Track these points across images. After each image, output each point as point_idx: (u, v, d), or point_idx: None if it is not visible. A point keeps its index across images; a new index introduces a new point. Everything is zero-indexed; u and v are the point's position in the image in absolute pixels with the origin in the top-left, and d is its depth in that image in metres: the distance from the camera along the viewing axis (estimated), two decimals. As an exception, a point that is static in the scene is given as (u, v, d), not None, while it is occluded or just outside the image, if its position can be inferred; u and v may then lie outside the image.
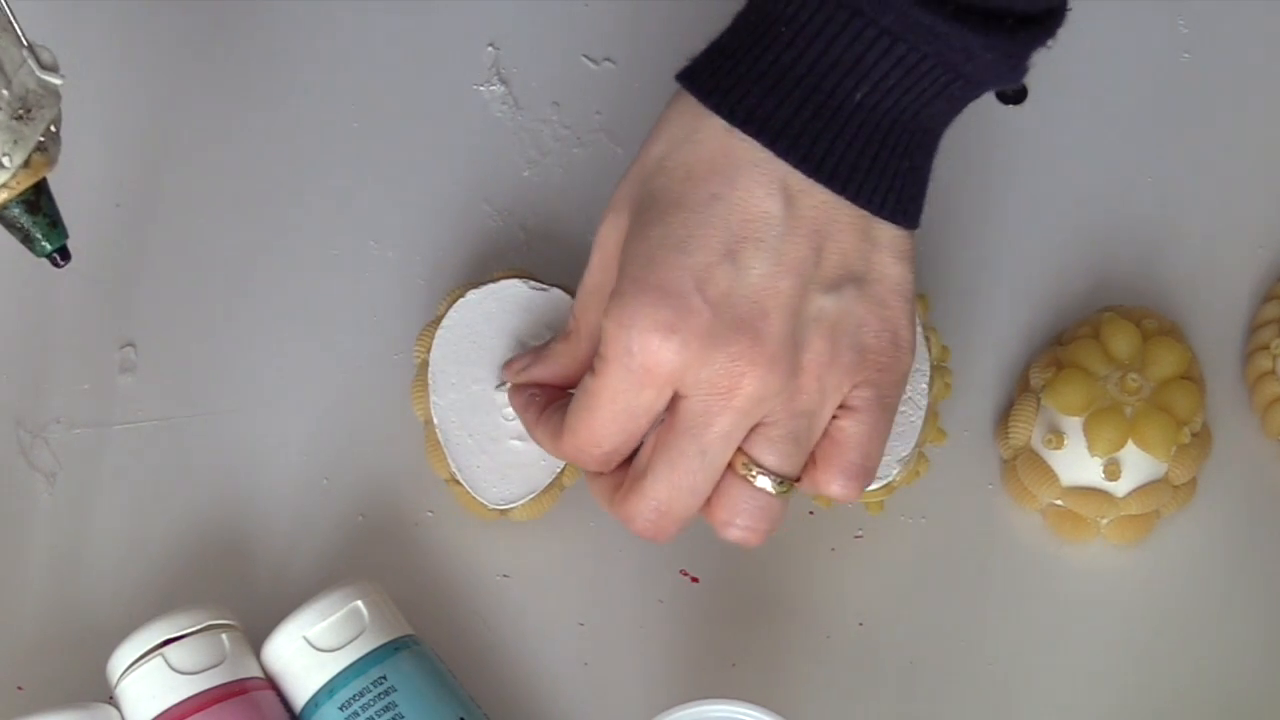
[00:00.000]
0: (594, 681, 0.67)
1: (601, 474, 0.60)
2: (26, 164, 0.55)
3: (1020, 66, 0.57)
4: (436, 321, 0.69)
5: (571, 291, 0.68)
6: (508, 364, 0.66)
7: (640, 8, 0.78)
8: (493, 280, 0.69)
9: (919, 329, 0.66)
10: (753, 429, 0.57)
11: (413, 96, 0.77)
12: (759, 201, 0.56)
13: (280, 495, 0.70)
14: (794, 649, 0.67)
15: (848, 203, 0.56)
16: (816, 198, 0.56)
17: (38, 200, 0.57)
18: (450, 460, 0.67)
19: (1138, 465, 0.67)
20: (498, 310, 0.68)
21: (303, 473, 0.70)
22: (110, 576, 0.68)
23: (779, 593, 0.68)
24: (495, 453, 0.67)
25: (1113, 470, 0.66)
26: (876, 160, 0.56)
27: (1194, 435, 0.68)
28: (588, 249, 0.68)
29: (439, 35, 0.78)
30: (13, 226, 0.57)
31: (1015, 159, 0.76)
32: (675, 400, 0.57)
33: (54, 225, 0.58)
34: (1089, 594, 0.68)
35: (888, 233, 0.57)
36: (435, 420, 0.67)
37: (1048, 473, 0.68)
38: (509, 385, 0.65)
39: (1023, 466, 0.68)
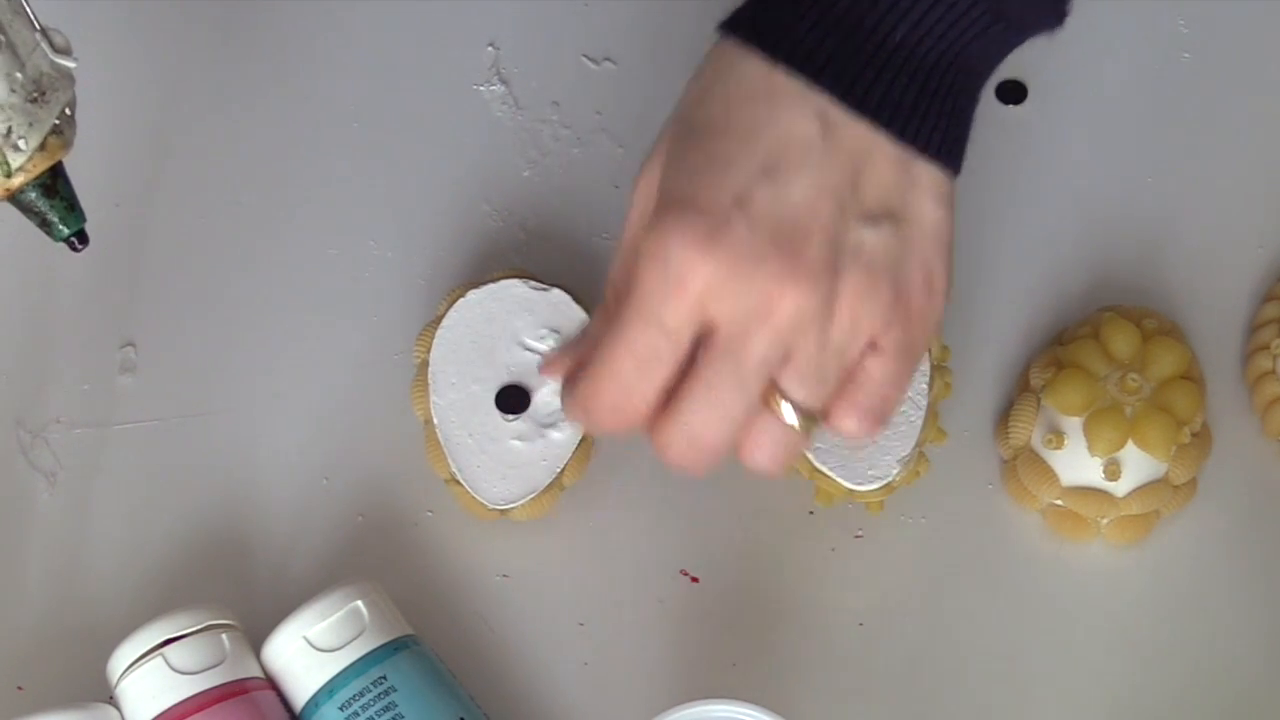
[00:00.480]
0: (594, 681, 0.67)
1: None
2: (42, 147, 0.56)
3: (1061, 8, 0.57)
4: (436, 321, 0.69)
5: (571, 291, 0.68)
6: (546, 363, 0.64)
7: (640, 8, 0.78)
8: (493, 280, 0.69)
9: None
10: (784, 362, 0.56)
11: (413, 96, 0.77)
12: (799, 126, 0.55)
13: (280, 495, 0.70)
14: (794, 649, 0.67)
15: (888, 138, 0.56)
16: (856, 129, 0.55)
17: (54, 184, 0.57)
18: (450, 460, 0.67)
19: (1138, 465, 0.67)
20: (498, 310, 0.68)
21: (303, 473, 0.70)
22: (110, 576, 0.68)
23: (779, 593, 0.68)
24: (495, 453, 0.67)
25: (1113, 470, 0.66)
26: (919, 99, 0.56)
27: (1194, 435, 0.68)
28: (588, 249, 0.68)
29: (439, 35, 0.78)
30: (30, 210, 0.57)
31: (1015, 159, 0.76)
32: (710, 331, 0.55)
33: (71, 209, 0.58)
34: (1089, 594, 0.68)
35: (928, 173, 0.56)
36: (435, 420, 0.67)
37: (1048, 473, 0.68)
38: (549, 369, 0.63)
39: (1023, 466, 0.68)
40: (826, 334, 0.55)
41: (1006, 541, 0.69)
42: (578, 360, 0.59)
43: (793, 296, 0.54)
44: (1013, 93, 0.77)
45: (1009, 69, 0.77)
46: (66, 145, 0.57)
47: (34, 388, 0.71)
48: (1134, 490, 0.67)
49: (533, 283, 0.69)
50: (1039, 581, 0.69)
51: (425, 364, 0.68)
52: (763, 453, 0.56)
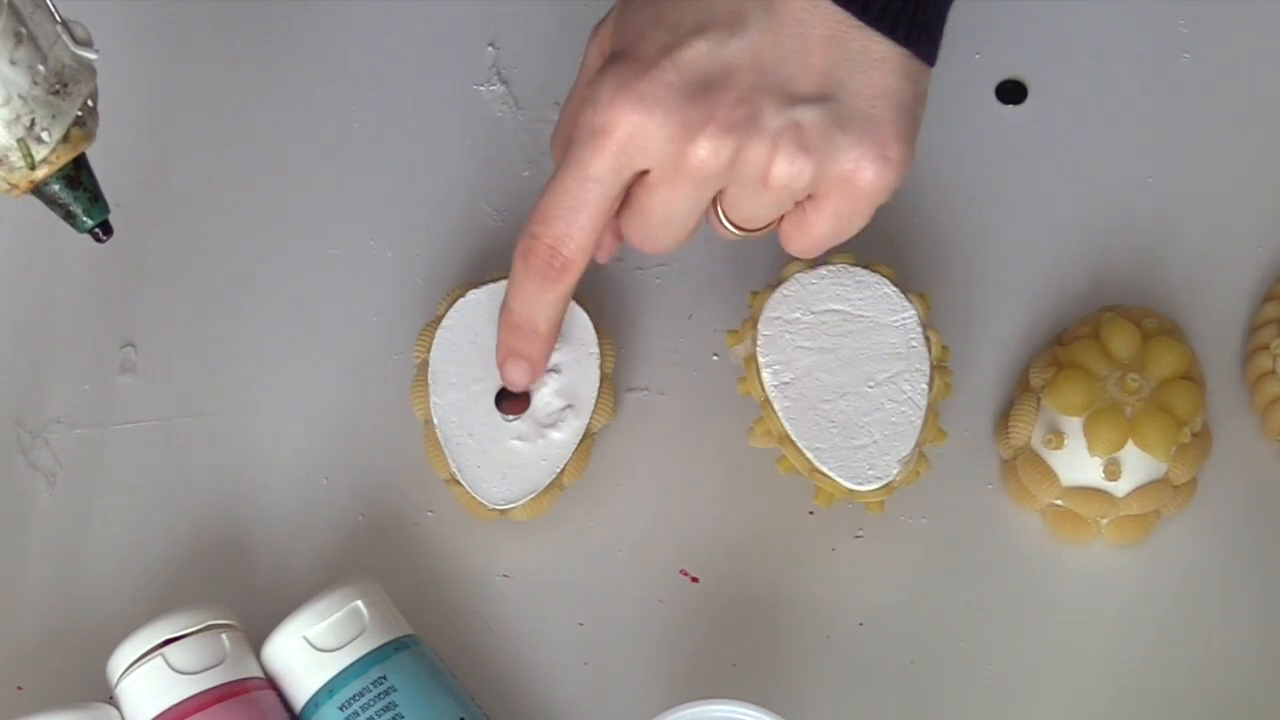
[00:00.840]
0: (594, 681, 0.67)
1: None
2: (65, 139, 0.56)
3: None
4: (436, 321, 0.69)
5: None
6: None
7: (640, 8, 0.78)
8: (493, 280, 0.69)
9: (920, 329, 0.66)
10: (721, 191, 0.59)
11: (413, 97, 0.77)
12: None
13: (280, 495, 0.70)
14: (794, 649, 0.67)
15: (837, 10, 0.57)
16: (806, 1, 0.57)
17: (78, 175, 0.57)
18: (450, 460, 0.67)
19: (1138, 465, 0.67)
20: (497, 310, 0.68)
21: (303, 473, 0.70)
22: (110, 576, 0.68)
23: (779, 593, 0.68)
24: (495, 453, 0.67)
25: (1113, 470, 0.66)
26: None
27: (1194, 435, 0.68)
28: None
29: (439, 35, 0.78)
30: (54, 202, 0.57)
31: (1015, 159, 0.76)
32: (644, 171, 0.59)
33: (95, 200, 0.58)
34: (1089, 594, 0.68)
35: (882, 48, 0.58)
36: (435, 420, 0.68)
37: (1048, 473, 0.68)
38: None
39: (1023, 466, 0.68)
40: (749, 188, 0.59)
41: (1006, 541, 0.69)
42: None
43: (702, 147, 0.57)
44: (1013, 93, 0.77)
45: (1009, 69, 0.77)
46: (89, 137, 0.57)
47: (34, 388, 0.71)
48: (1134, 490, 0.67)
49: (533, 283, 0.69)
50: (1039, 581, 0.69)
51: (425, 364, 0.68)
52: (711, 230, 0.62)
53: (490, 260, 0.73)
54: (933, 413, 0.67)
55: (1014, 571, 0.69)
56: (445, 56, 0.78)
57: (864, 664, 0.67)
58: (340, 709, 0.62)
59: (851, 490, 0.65)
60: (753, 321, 0.67)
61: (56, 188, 0.57)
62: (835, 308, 0.67)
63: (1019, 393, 0.70)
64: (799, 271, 0.67)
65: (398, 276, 0.74)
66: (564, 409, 0.68)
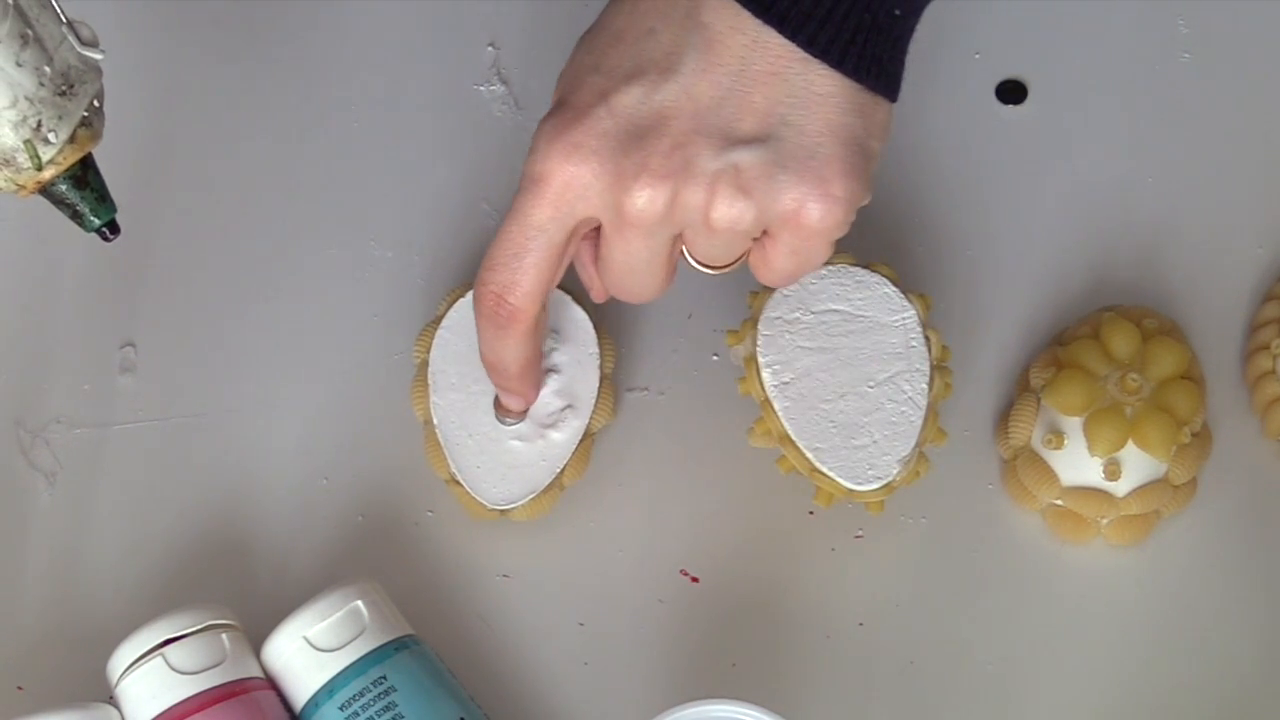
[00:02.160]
0: (594, 681, 0.67)
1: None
2: (72, 139, 0.56)
3: None
4: (436, 321, 0.69)
5: (571, 291, 0.69)
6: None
7: (640, 8, 0.78)
8: (493, 280, 0.69)
9: (920, 329, 0.66)
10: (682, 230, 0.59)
11: (413, 96, 0.77)
12: (685, 34, 0.57)
13: (280, 495, 0.70)
14: (794, 649, 0.67)
15: (787, 43, 0.56)
16: (744, 38, 0.56)
17: (85, 175, 0.57)
18: (450, 460, 0.67)
19: (1138, 465, 0.67)
20: (498, 310, 0.68)
21: (303, 473, 0.70)
22: (110, 576, 0.68)
23: (779, 593, 0.68)
24: (495, 453, 0.67)
25: (1113, 470, 0.66)
26: (821, 6, 0.56)
27: (1194, 435, 0.68)
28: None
29: (439, 35, 0.78)
30: (61, 202, 0.58)
31: (1015, 159, 0.76)
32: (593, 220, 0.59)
33: (102, 200, 0.58)
34: (1089, 594, 0.68)
35: (834, 84, 0.57)
36: (435, 420, 0.68)
37: (1048, 473, 0.68)
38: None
39: (1023, 466, 0.68)
40: (697, 228, 0.58)
41: (1006, 541, 0.69)
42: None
43: (638, 195, 0.57)
44: (1013, 93, 0.77)
45: (1009, 69, 0.77)
46: (95, 137, 0.57)
47: (34, 388, 0.71)
48: (1134, 490, 0.67)
49: (533, 283, 0.69)
50: (1039, 581, 0.69)
51: (425, 364, 0.68)
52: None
53: (490, 260, 0.73)
54: (933, 413, 0.67)
55: (1014, 571, 0.69)
56: (445, 56, 0.78)
57: (864, 664, 0.67)
58: (340, 709, 0.62)
59: (851, 490, 0.65)
60: (753, 321, 0.67)
61: (64, 188, 0.57)
62: (835, 308, 0.67)
63: (1019, 393, 0.70)
64: (799, 271, 0.67)
65: (398, 276, 0.74)
66: (564, 409, 0.68)
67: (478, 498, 0.67)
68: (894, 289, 0.67)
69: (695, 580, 0.69)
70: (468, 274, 0.73)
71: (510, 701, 0.66)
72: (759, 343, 0.66)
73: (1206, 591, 0.68)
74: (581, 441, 0.68)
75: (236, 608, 0.65)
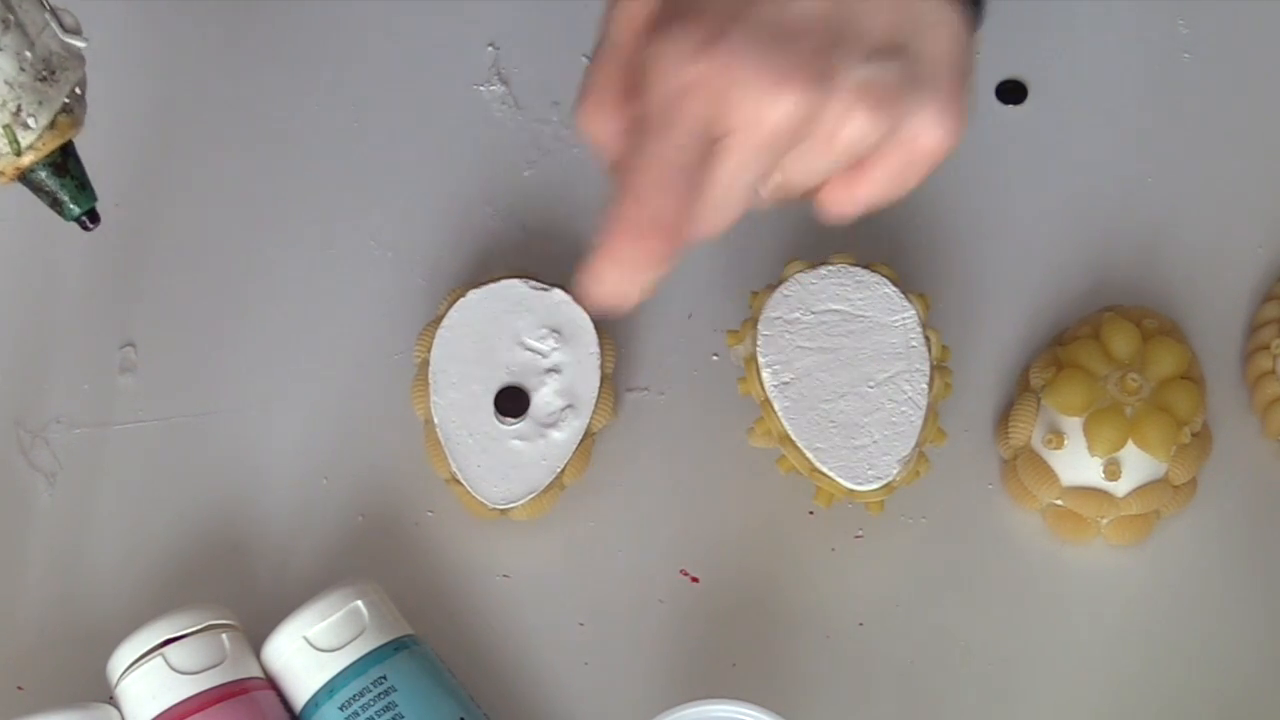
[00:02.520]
0: (594, 681, 0.67)
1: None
2: (52, 125, 0.56)
3: None
4: (436, 321, 0.69)
5: (571, 291, 0.69)
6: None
7: (640, 8, 0.78)
8: (493, 280, 0.69)
9: (920, 329, 0.66)
10: (786, 152, 0.58)
11: (413, 96, 0.77)
12: None
13: (280, 495, 0.70)
14: (794, 649, 0.67)
15: None
16: None
17: (65, 163, 0.57)
18: (450, 460, 0.67)
19: (1138, 465, 0.67)
20: (498, 310, 0.68)
21: (303, 473, 0.70)
22: (110, 576, 0.68)
23: (779, 593, 0.68)
24: (495, 452, 0.67)
25: (1113, 470, 0.66)
26: None
27: (1194, 435, 0.68)
28: (588, 249, 0.67)
29: (439, 35, 0.78)
30: (41, 190, 0.58)
31: (1015, 159, 0.76)
32: (720, 133, 0.57)
33: (82, 188, 0.58)
34: (1089, 594, 0.68)
35: (938, 12, 0.57)
36: (435, 420, 0.68)
37: (1048, 473, 0.68)
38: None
39: (1023, 466, 0.68)
40: (818, 142, 0.57)
41: (1006, 541, 0.69)
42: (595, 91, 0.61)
43: (785, 100, 0.55)
44: (1013, 93, 0.77)
45: (1009, 69, 0.77)
46: (77, 124, 0.57)
47: (34, 388, 0.71)
48: (1134, 490, 0.67)
49: (533, 283, 0.69)
50: (1039, 581, 0.69)
51: (425, 364, 0.68)
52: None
53: (490, 260, 0.73)
54: (933, 413, 0.67)
55: (1014, 571, 0.69)
56: (445, 56, 0.78)
57: (864, 664, 0.67)
58: (340, 709, 0.62)
59: (851, 490, 0.65)
60: (753, 321, 0.67)
61: (43, 175, 0.57)
62: (835, 308, 0.67)
63: (1019, 393, 0.70)
64: (799, 271, 0.67)
65: (398, 276, 0.74)
66: (564, 409, 0.68)
67: (478, 497, 0.67)
68: (894, 289, 0.67)
69: (695, 580, 0.69)
70: (468, 274, 0.73)
71: (510, 701, 0.66)
72: (759, 343, 0.67)
73: (1206, 591, 0.68)
74: (582, 441, 0.68)
75: (236, 608, 0.65)
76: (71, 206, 0.58)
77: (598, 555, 0.69)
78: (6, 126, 0.55)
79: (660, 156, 0.57)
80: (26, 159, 0.56)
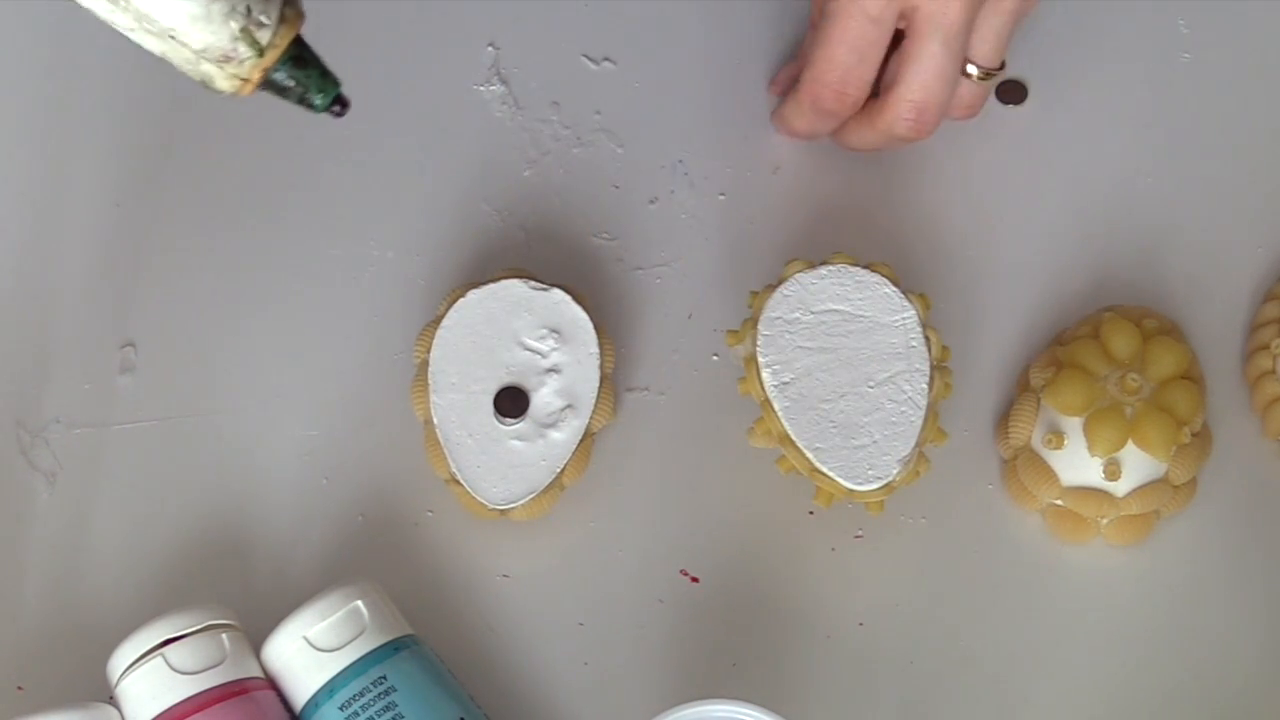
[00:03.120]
0: (594, 681, 0.67)
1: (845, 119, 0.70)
2: (282, 19, 0.54)
3: None
4: (436, 321, 0.69)
5: (571, 291, 0.69)
6: (775, 81, 0.76)
7: (640, 8, 0.78)
8: (493, 280, 0.69)
9: (920, 329, 0.66)
10: (973, 29, 0.67)
11: (413, 96, 0.77)
12: None
13: (280, 495, 0.70)
14: (794, 649, 0.67)
15: None
16: None
17: (302, 54, 0.56)
18: (450, 460, 0.67)
19: (1138, 465, 0.67)
20: (498, 310, 0.68)
21: (303, 473, 0.70)
22: (110, 576, 0.68)
23: (779, 593, 0.68)
24: (495, 453, 0.67)
25: (1113, 470, 0.66)
26: None
27: (1194, 435, 0.68)
28: (588, 249, 0.68)
29: (439, 35, 0.78)
30: (285, 89, 0.56)
31: (1015, 159, 0.76)
32: (909, 13, 0.66)
33: (325, 75, 0.56)
34: (1089, 594, 0.68)
35: None
36: (435, 420, 0.68)
37: (1048, 473, 0.68)
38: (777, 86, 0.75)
39: (1023, 466, 0.68)
40: (1010, 11, 0.67)
41: (1006, 541, 0.69)
42: (794, 72, 0.72)
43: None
44: (1013, 93, 0.77)
45: (1009, 69, 0.77)
46: (300, 15, 0.55)
47: (34, 388, 0.71)
48: (1134, 490, 0.67)
49: (533, 283, 0.69)
50: (1039, 581, 0.69)
51: (425, 364, 0.68)
52: (963, 108, 0.71)
53: (490, 260, 0.73)
54: (933, 413, 0.67)
55: (1014, 571, 0.69)
56: (445, 56, 0.78)
57: (864, 664, 0.67)
58: (340, 709, 0.62)
59: (851, 490, 0.65)
60: (753, 321, 0.67)
61: (284, 73, 0.55)
62: (835, 308, 0.67)
63: (1019, 393, 0.70)
64: (799, 271, 0.67)
65: (398, 276, 0.74)
66: (564, 409, 0.68)
67: (478, 497, 0.67)
68: (894, 289, 0.67)
69: (695, 580, 0.69)
70: (468, 274, 0.73)
71: (510, 701, 0.66)
72: (759, 343, 0.67)
73: (1206, 591, 0.68)
74: (581, 441, 0.68)
75: (236, 608, 0.65)
76: (319, 97, 0.56)
77: (598, 555, 0.69)
78: (244, 29, 0.53)
79: (847, 32, 0.66)
80: (269, 57, 0.54)
